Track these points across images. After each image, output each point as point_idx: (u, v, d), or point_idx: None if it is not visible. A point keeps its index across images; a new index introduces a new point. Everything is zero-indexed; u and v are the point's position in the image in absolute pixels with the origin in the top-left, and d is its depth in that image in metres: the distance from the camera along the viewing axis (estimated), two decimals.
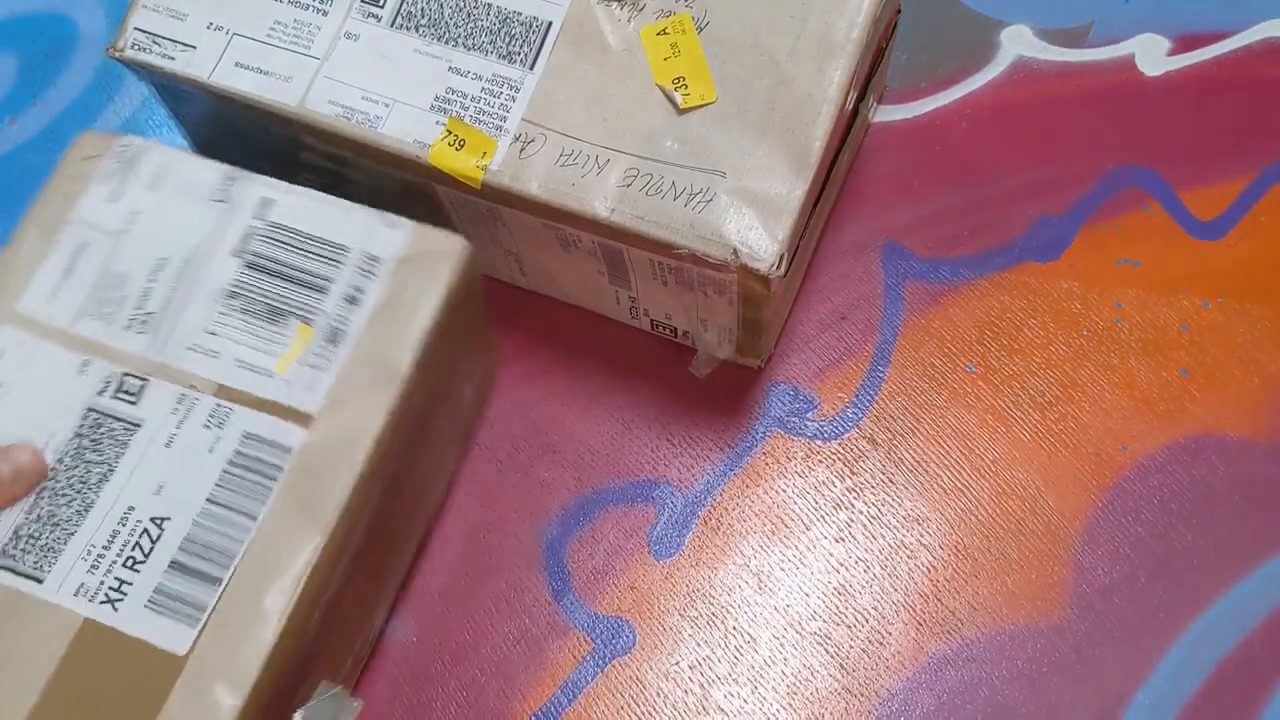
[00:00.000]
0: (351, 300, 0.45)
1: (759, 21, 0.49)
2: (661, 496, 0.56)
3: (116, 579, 0.42)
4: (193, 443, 0.44)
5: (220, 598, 0.42)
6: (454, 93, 0.49)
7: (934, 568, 0.54)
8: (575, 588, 0.54)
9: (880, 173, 0.61)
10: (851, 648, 0.53)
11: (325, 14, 0.50)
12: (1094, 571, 0.54)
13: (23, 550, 0.42)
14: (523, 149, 0.48)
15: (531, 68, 0.49)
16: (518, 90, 0.49)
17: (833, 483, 0.56)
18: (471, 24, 0.50)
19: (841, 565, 0.54)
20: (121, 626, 0.42)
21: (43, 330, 0.45)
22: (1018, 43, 0.64)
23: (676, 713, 0.52)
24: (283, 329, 0.45)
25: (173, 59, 0.50)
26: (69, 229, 0.47)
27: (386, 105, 0.49)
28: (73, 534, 0.42)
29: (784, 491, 0.56)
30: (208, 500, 0.43)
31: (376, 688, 0.53)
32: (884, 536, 0.55)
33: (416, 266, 0.46)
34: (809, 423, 0.57)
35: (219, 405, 0.44)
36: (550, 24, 0.50)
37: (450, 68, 0.50)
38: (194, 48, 0.50)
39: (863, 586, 0.54)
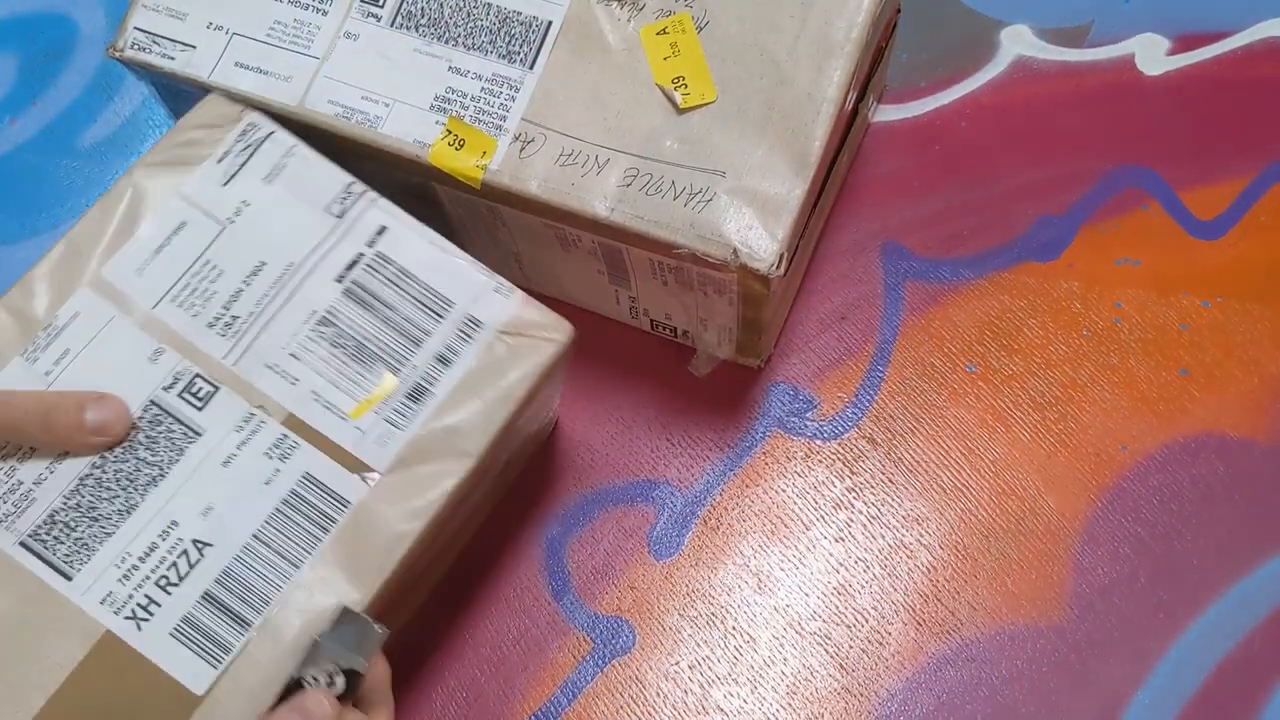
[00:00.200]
0: (443, 360, 0.43)
1: (759, 21, 0.49)
2: (661, 496, 0.56)
3: (147, 596, 0.40)
4: (251, 470, 0.41)
5: (248, 642, 0.40)
6: (454, 92, 0.49)
7: (934, 568, 0.54)
8: (575, 588, 0.54)
9: (880, 173, 0.61)
10: (851, 648, 0.53)
11: (325, 14, 0.50)
12: (1094, 572, 0.54)
13: (56, 538, 0.40)
14: (522, 149, 0.48)
15: (531, 67, 0.49)
16: (517, 90, 0.49)
17: (832, 483, 0.56)
18: (471, 24, 0.50)
19: (841, 565, 0.54)
20: (142, 648, 0.39)
21: (123, 304, 0.42)
22: (1018, 42, 0.64)
23: (676, 712, 0.52)
24: (368, 372, 0.43)
25: (172, 59, 0.50)
26: (172, 202, 0.44)
27: (386, 105, 0.49)
28: (110, 534, 0.40)
29: (784, 491, 0.55)
30: (253, 536, 0.41)
31: None
32: (884, 536, 0.55)
33: (518, 341, 0.44)
34: (809, 423, 0.57)
35: (285, 435, 0.42)
36: (550, 24, 0.50)
37: (450, 67, 0.50)
38: (194, 47, 0.50)
39: (862, 586, 0.54)
